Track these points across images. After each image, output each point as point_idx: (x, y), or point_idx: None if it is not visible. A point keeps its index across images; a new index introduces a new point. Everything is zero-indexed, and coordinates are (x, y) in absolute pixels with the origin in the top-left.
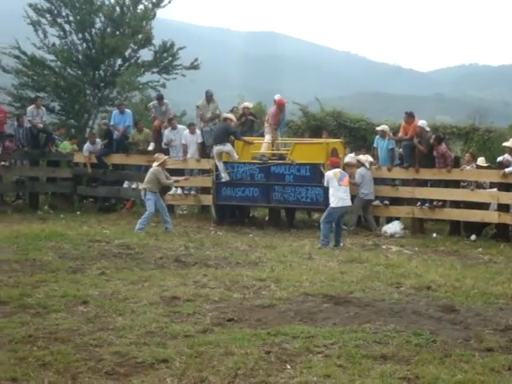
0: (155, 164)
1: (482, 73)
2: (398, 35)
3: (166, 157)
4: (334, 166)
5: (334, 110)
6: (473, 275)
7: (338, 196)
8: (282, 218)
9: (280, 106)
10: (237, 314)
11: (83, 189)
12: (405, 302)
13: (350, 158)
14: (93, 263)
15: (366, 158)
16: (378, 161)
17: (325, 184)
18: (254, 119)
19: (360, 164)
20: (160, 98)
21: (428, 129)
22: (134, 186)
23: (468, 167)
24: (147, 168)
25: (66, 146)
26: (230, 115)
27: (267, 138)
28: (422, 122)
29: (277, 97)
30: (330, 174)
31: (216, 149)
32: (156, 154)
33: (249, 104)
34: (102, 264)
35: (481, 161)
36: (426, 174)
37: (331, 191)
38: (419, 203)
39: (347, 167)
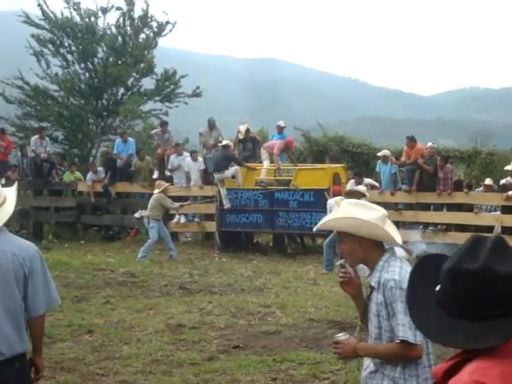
0: (156, 191)
1: (483, 96)
2: (398, 60)
3: (167, 184)
4: (336, 194)
5: (336, 135)
6: None
7: None
8: (286, 243)
9: (288, 145)
10: (242, 341)
11: (87, 217)
12: None
13: (351, 185)
14: (98, 292)
15: (365, 188)
16: (381, 185)
17: (328, 212)
18: (256, 137)
19: (361, 195)
20: (164, 125)
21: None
22: (137, 215)
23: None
24: (151, 196)
25: (68, 176)
26: (228, 142)
27: (265, 164)
28: (431, 144)
29: (281, 123)
30: (332, 202)
31: (216, 176)
32: (157, 182)
33: (244, 127)
34: (107, 292)
35: (488, 181)
36: (429, 197)
37: None
38: (421, 227)
39: (348, 196)
